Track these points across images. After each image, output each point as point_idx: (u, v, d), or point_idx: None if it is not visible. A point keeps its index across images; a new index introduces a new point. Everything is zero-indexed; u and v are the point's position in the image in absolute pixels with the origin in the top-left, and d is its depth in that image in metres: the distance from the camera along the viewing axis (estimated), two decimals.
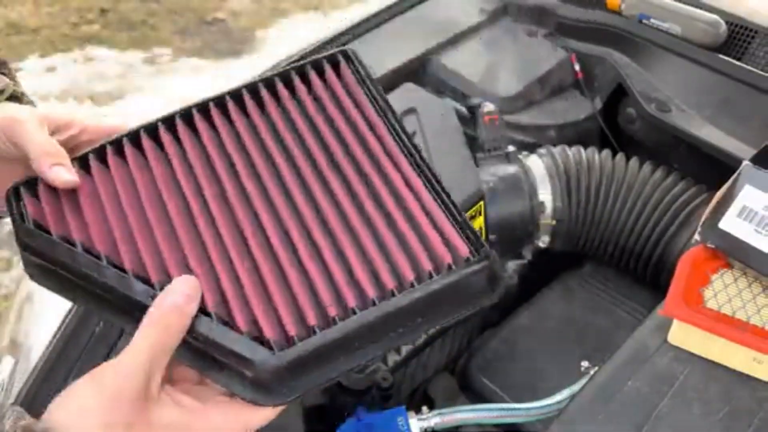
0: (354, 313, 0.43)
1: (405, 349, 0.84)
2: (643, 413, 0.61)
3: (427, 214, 0.48)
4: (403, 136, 0.51)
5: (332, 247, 0.46)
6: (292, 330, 0.42)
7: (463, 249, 0.46)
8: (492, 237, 0.88)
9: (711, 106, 0.97)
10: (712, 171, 0.86)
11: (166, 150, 0.50)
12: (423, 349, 0.87)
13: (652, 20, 1.03)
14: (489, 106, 0.97)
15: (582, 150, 0.98)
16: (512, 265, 0.96)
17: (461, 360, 0.94)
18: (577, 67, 1.10)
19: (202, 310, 0.43)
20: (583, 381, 0.70)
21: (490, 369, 0.90)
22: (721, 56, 0.98)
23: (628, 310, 0.96)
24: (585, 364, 0.88)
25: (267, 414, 0.43)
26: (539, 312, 0.97)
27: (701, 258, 0.66)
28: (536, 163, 0.96)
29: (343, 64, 0.54)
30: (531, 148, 1.01)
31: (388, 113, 0.52)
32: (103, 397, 0.39)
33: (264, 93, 0.53)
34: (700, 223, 0.66)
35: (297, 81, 0.54)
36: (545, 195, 0.94)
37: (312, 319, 0.43)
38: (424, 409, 0.78)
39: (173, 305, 0.41)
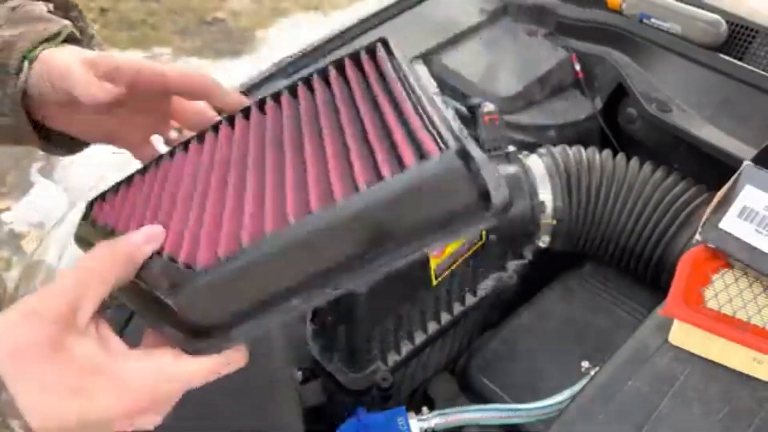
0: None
1: (405, 349, 0.84)
2: (643, 413, 0.61)
3: (400, 115, 0.39)
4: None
5: (295, 159, 0.41)
6: (208, 256, 0.38)
7: (431, 146, 0.35)
8: (492, 237, 0.87)
9: (711, 106, 0.97)
10: (713, 171, 0.86)
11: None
12: (423, 349, 0.87)
13: (653, 20, 1.03)
14: (489, 106, 0.97)
15: (582, 150, 0.98)
16: (512, 265, 0.96)
17: (461, 360, 0.94)
18: (577, 67, 1.10)
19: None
20: (584, 381, 0.70)
21: (490, 369, 0.90)
22: (721, 56, 0.98)
23: (628, 310, 0.96)
24: (585, 364, 0.88)
25: (200, 369, 0.39)
26: (539, 312, 0.97)
27: (702, 258, 0.66)
28: (536, 163, 0.96)
29: (381, 53, 0.49)
30: (531, 148, 1.01)
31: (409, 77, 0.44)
32: (19, 313, 0.37)
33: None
34: (701, 223, 0.66)
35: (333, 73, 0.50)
36: (545, 195, 0.94)
37: (244, 242, 0.37)
38: (424, 409, 0.78)
39: (127, 240, 0.41)
